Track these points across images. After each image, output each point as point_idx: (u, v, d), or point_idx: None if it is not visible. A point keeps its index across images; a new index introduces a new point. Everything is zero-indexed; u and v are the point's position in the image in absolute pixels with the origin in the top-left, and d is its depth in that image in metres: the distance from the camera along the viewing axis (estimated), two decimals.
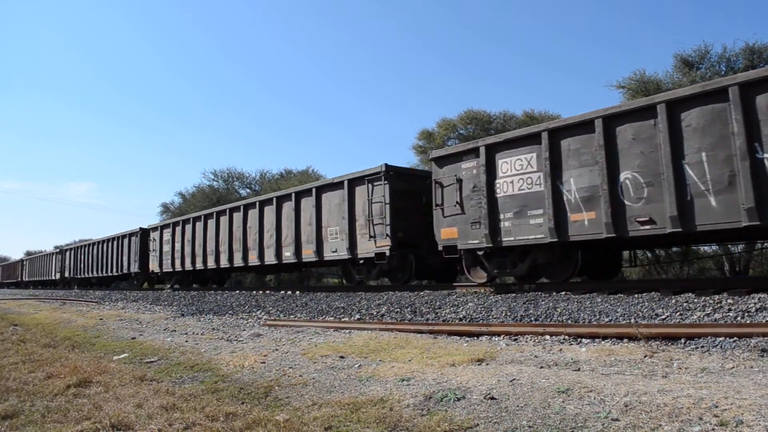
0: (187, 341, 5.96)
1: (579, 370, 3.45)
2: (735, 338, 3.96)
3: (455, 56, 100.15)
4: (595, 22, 72.28)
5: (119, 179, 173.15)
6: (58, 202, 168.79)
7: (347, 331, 5.95)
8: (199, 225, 17.02)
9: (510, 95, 77.92)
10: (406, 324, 6.01)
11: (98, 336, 7.01)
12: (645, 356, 3.69)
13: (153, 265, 20.01)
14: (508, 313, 6.13)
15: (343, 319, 7.12)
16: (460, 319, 6.26)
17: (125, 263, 22.19)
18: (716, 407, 2.33)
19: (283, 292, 12.58)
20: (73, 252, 29.49)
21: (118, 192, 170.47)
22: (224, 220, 15.57)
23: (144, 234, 21.09)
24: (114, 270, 23.34)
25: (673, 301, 5.62)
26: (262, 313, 8.63)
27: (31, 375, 4.45)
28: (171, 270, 18.77)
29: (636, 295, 6.30)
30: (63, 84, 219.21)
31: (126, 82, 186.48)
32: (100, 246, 25.20)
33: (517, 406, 2.68)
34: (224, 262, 15.50)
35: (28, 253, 56.01)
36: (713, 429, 2.14)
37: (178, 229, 18.38)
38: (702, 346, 3.95)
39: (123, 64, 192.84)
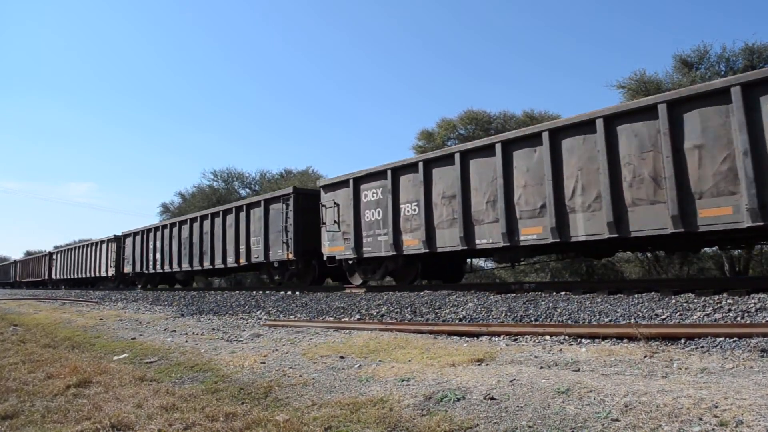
0: (187, 341, 5.96)
1: (579, 370, 3.45)
2: (735, 338, 3.96)
3: (455, 56, 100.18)
4: (595, 22, 72.32)
5: (119, 179, 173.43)
6: (58, 202, 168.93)
7: (347, 331, 5.96)
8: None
9: (510, 95, 77.90)
10: (406, 324, 6.01)
11: (98, 336, 7.01)
12: (645, 356, 3.69)
13: (331, 248, 11.87)
14: (508, 313, 6.13)
15: (343, 320, 7.12)
16: (460, 320, 6.26)
17: (259, 249, 13.78)
18: (716, 407, 2.33)
19: (283, 292, 12.57)
20: (139, 237, 20.97)
21: (118, 192, 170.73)
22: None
23: (304, 197, 12.84)
24: (229, 259, 15.19)
25: (673, 301, 5.62)
26: (262, 314, 8.63)
27: (31, 375, 4.45)
28: (380, 255, 10.61)
29: (636, 295, 6.30)
30: (63, 84, 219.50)
31: (126, 82, 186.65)
32: (197, 224, 16.65)
33: (517, 406, 2.68)
34: (582, 230, 7.41)
35: (28, 253, 55.70)
36: (713, 429, 2.14)
37: (412, 177, 9.88)
38: (702, 347, 3.95)
39: (123, 64, 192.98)
